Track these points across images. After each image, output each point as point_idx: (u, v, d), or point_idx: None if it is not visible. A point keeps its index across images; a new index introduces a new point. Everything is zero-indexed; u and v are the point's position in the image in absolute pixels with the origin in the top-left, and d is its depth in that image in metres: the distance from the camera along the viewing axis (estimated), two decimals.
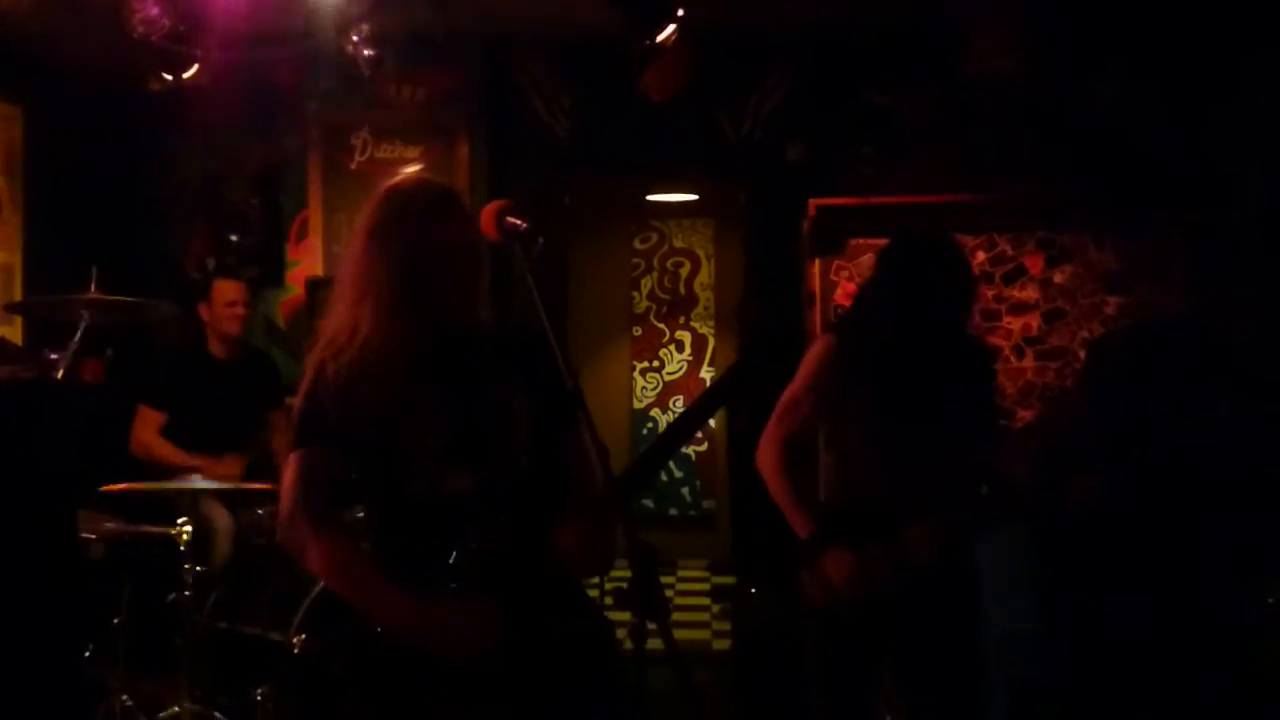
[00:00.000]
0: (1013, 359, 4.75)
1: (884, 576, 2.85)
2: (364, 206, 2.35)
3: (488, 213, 2.22)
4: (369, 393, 2.21)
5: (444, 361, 2.28)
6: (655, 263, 8.72)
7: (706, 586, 7.73)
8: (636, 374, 8.63)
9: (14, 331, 4.82)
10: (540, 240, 2.18)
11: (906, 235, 3.10)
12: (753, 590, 5.19)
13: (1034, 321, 4.75)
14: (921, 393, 2.93)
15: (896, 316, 2.96)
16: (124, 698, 3.77)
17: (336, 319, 2.27)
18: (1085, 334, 4.70)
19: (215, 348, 4.70)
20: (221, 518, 4.17)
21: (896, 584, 2.86)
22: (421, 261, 2.23)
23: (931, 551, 2.86)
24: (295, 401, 2.29)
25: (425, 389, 2.24)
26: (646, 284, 8.71)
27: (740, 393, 2.27)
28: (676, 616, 6.71)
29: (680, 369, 8.62)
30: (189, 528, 3.76)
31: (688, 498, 8.41)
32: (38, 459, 3.72)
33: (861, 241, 4.85)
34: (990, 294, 4.76)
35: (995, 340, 4.73)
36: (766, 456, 3.02)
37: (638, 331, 8.66)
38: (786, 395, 3.05)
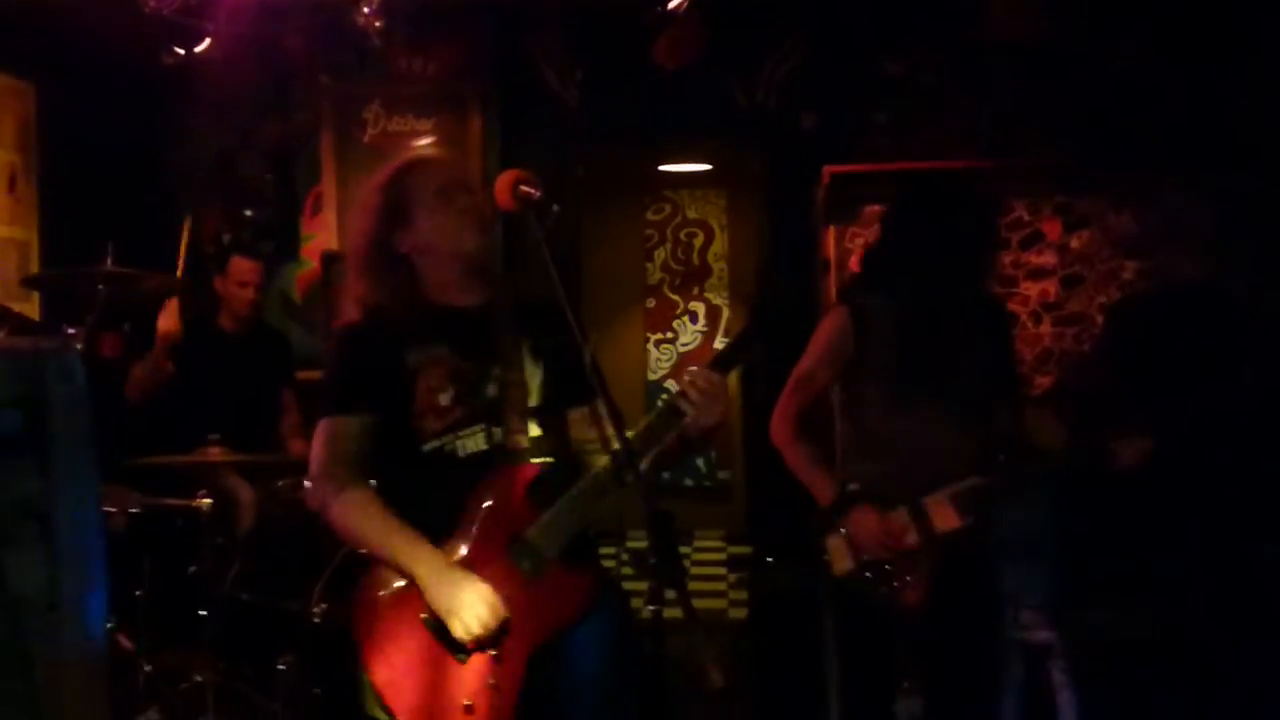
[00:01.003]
0: (1030, 325, 4.73)
1: (907, 542, 2.85)
2: (370, 180, 2.41)
3: (502, 182, 2.25)
4: (384, 359, 2.27)
5: (454, 328, 2.32)
6: (668, 234, 8.69)
7: (722, 556, 7.75)
8: (650, 345, 8.62)
9: (31, 307, 4.84)
10: (555, 209, 2.21)
11: (911, 180, 3.08)
12: (769, 559, 5.20)
13: (1051, 287, 4.73)
14: (940, 358, 2.92)
15: (906, 274, 2.94)
16: (147, 668, 3.81)
17: (352, 291, 2.34)
18: (1103, 299, 4.68)
19: (227, 322, 4.72)
20: (243, 490, 4.20)
21: (919, 550, 2.86)
22: (430, 233, 2.28)
23: (954, 518, 2.86)
24: (322, 369, 2.36)
25: (437, 354, 2.29)
26: (660, 255, 8.69)
27: (750, 357, 2.28)
28: (693, 586, 6.72)
29: (694, 340, 8.61)
30: (209, 500, 3.79)
31: (703, 468, 8.42)
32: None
33: (876, 208, 4.83)
34: (1008, 260, 4.74)
35: (1013, 306, 4.70)
36: (781, 429, 3.02)
37: (651, 303, 8.65)
38: (800, 367, 3.04)
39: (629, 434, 2.17)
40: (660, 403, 2.27)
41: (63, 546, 1.40)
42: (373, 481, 2.38)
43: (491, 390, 2.33)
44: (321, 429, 2.33)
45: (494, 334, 2.36)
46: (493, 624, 2.17)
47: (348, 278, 2.40)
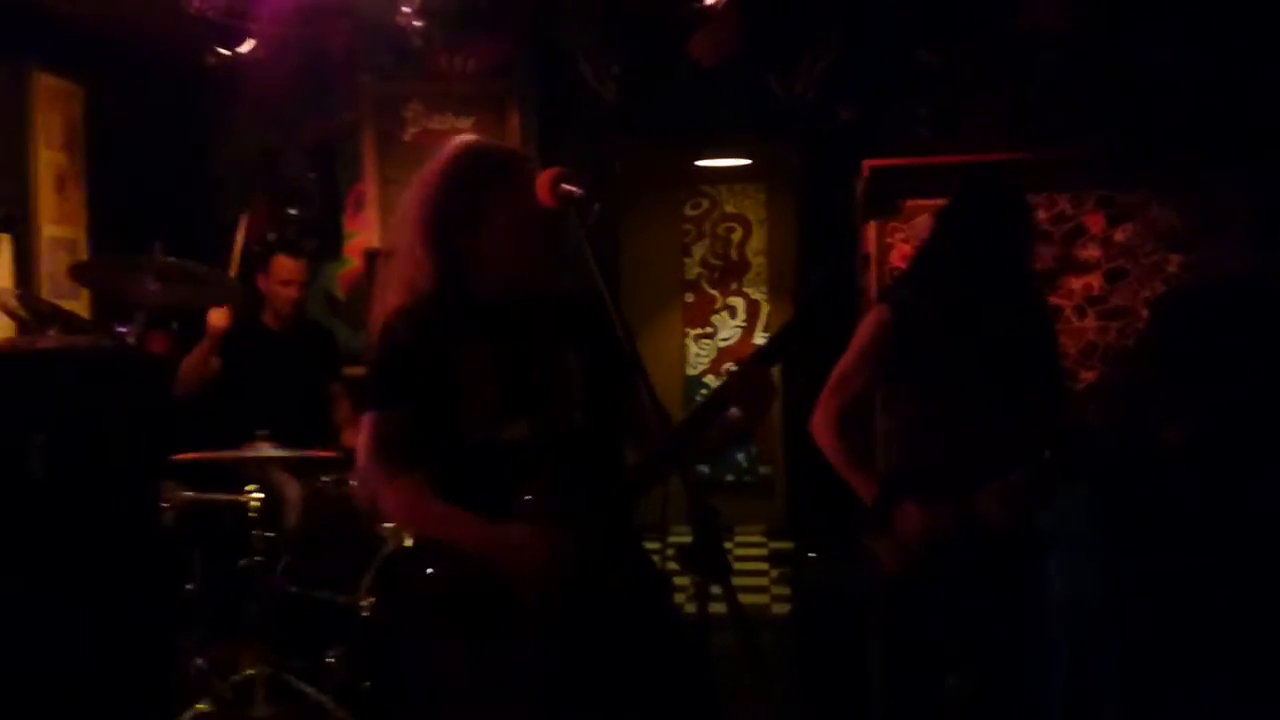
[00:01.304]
0: (1074, 319, 4.68)
1: (955, 539, 2.84)
2: (424, 166, 2.41)
3: (543, 180, 2.26)
4: (427, 351, 2.29)
5: (501, 319, 2.33)
6: (706, 229, 8.70)
7: (764, 552, 7.76)
8: (689, 341, 8.64)
9: (81, 307, 4.92)
10: (596, 207, 2.22)
11: (969, 188, 3.07)
12: (811, 555, 5.20)
13: (1095, 281, 4.69)
14: (986, 354, 2.91)
15: (962, 273, 2.94)
16: (198, 661, 3.87)
17: (397, 280, 2.33)
18: (1148, 293, 4.63)
19: (271, 320, 4.77)
20: (291, 485, 4.25)
21: (967, 547, 2.85)
22: (479, 226, 2.29)
23: (1003, 514, 2.85)
24: (366, 363, 2.36)
25: (482, 344, 2.30)
26: (698, 250, 8.70)
27: (793, 351, 2.28)
28: (735, 581, 6.73)
29: (733, 335, 8.62)
30: (259, 495, 3.84)
31: (744, 463, 8.43)
32: (123, 426, 3.82)
33: (917, 203, 4.80)
34: (1050, 254, 4.69)
35: (1056, 300, 4.66)
36: (823, 428, 3.02)
37: (690, 298, 8.66)
38: (840, 366, 3.04)
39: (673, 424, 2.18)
40: (703, 395, 2.28)
41: None
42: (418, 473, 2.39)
43: (535, 380, 2.34)
44: (366, 423, 2.35)
45: (538, 324, 2.37)
46: (558, 554, 2.20)
47: (392, 265, 2.39)
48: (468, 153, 2.39)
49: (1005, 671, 2.99)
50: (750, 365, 2.22)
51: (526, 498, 2.27)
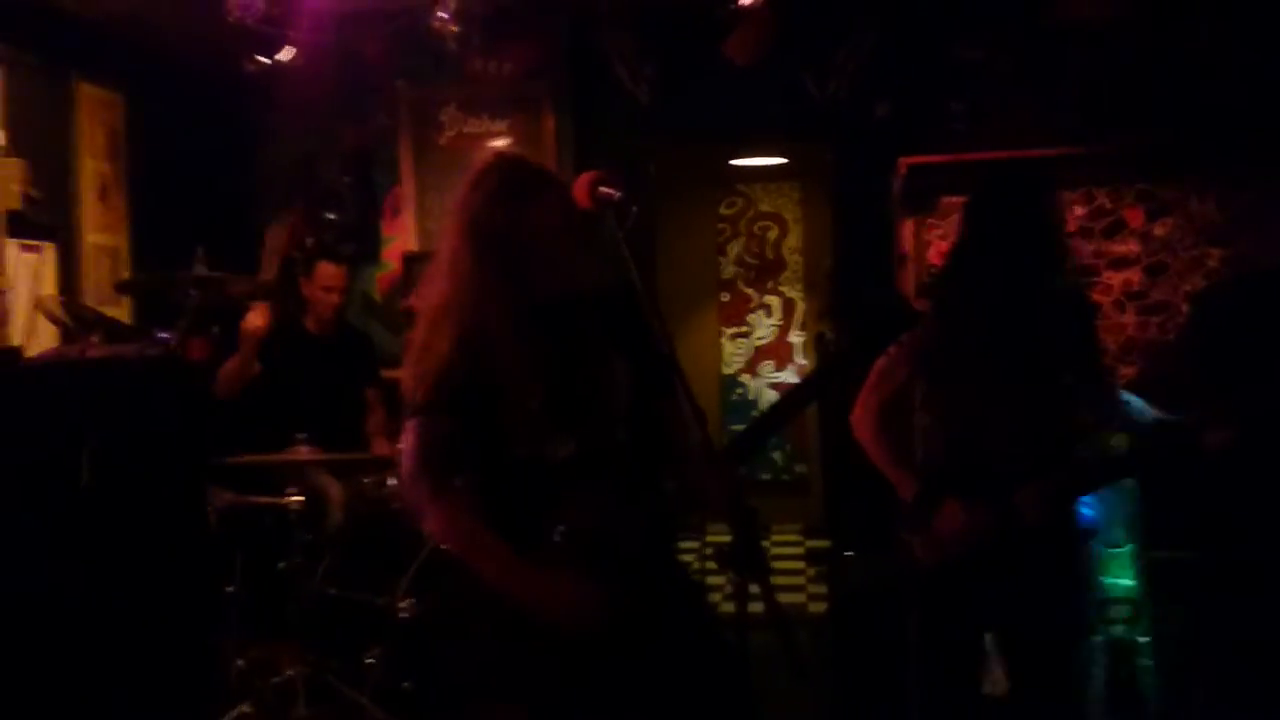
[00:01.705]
0: (1114, 314, 4.65)
1: (994, 536, 2.83)
2: (458, 182, 2.41)
3: (581, 183, 2.27)
4: (473, 361, 2.29)
5: (544, 330, 2.34)
6: (742, 227, 8.68)
7: (801, 550, 7.73)
8: (725, 339, 8.62)
9: (122, 312, 4.99)
10: (634, 210, 2.22)
11: (991, 182, 3.06)
12: (848, 554, 5.18)
13: (1135, 276, 4.65)
14: (1024, 349, 2.89)
15: (991, 267, 2.92)
16: (239, 663, 3.92)
17: (438, 293, 2.34)
18: (1188, 288, 4.59)
19: (312, 324, 4.81)
20: (333, 487, 4.29)
21: (1006, 545, 2.83)
22: (518, 237, 2.29)
23: (1042, 513, 2.83)
24: (405, 372, 2.36)
25: (526, 356, 2.31)
26: (733, 249, 8.68)
27: (843, 379, 2.28)
28: (772, 580, 6.72)
29: (769, 334, 8.59)
30: (300, 497, 3.87)
31: (780, 462, 8.40)
32: (171, 433, 3.88)
33: (954, 200, 4.77)
34: (1090, 249, 4.66)
35: (1096, 295, 4.63)
36: (864, 423, 3.01)
37: (725, 297, 8.65)
38: (881, 362, 3.03)
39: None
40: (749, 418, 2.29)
41: None
42: (459, 482, 2.39)
43: (581, 390, 2.34)
44: (411, 429, 2.34)
45: (581, 331, 2.37)
46: (582, 609, 2.21)
47: (440, 273, 2.38)
48: (492, 170, 2.38)
49: (1044, 669, 2.97)
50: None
51: (560, 530, 2.27)
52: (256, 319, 4.39)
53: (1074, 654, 3.16)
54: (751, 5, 4.25)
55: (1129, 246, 4.68)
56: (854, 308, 5.46)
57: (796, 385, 7.09)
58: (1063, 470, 2.86)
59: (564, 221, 2.31)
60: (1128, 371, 4.60)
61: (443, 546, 2.39)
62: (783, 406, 2.72)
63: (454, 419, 2.31)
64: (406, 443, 2.35)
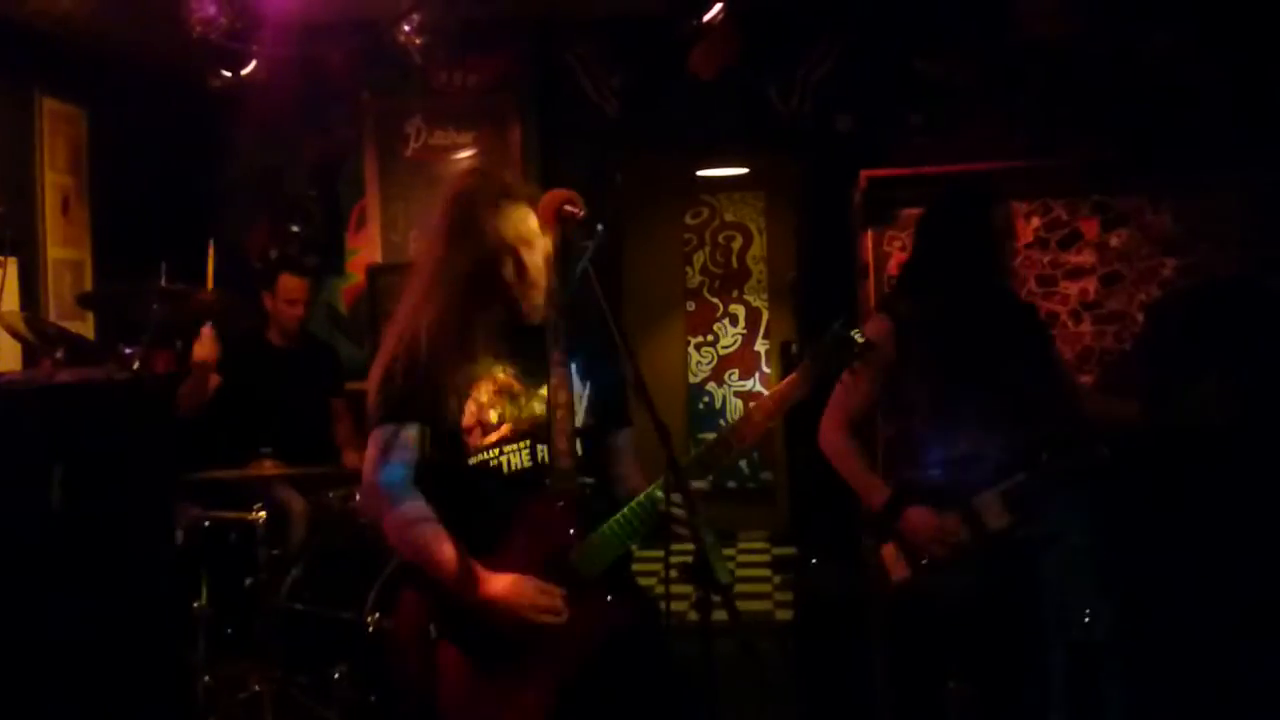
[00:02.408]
0: (1070, 324, 4.71)
1: (961, 543, 2.87)
2: (430, 194, 2.46)
3: (547, 203, 2.30)
4: (438, 371, 2.33)
5: (508, 344, 2.37)
6: (707, 237, 8.74)
7: (767, 558, 7.78)
8: (691, 349, 8.67)
9: (85, 327, 4.96)
10: (599, 228, 2.24)
11: (940, 197, 3.13)
12: (813, 561, 5.22)
13: (1091, 286, 4.71)
14: (981, 358, 2.95)
15: (943, 279, 2.98)
16: (206, 679, 3.90)
17: (412, 305, 2.36)
18: (1143, 297, 4.66)
19: (275, 337, 4.81)
20: (296, 502, 4.28)
21: (972, 550, 2.88)
22: (493, 252, 2.32)
23: (1004, 516, 2.88)
24: (372, 379, 2.40)
25: (490, 370, 2.34)
26: (699, 259, 8.73)
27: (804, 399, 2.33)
28: (738, 588, 6.77)
29: (735, 343, 8.65)
30: (264, 513, 3.87)
31: (745, 470, 8.45)
32: (140, 455, 3.87)
33: (914, 211, 4.83)
34: (1046, 259, 4.72)
35: (1052, 306, 4.69)
36: (830, 437, 3.06)
37: (691, 306, 8.70)
38: (844, 376, 3.08)
39: (680, 463, 2.20)
40: (714, 436, 2.33)
41: None
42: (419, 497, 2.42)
43: (539, 409, 2.38)
44: (374, 437, 2.37)
45: (546, 353, 2.40)
46: (546, 606, 2.24)
47: (412, 286, 2.42)
48: (468, 185, 2.41)
49: (1006, 675, 3.01)
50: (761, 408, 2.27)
51: (517, 528, 2.30)
52: (204, 350, 4.34)
53: (1037, 656, 3.21)
54: (715, 20, 4.29)
55: (1085, 257, 4.74)
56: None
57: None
58: (1022, 475, 2.91)
59: (536, 234, 2.35)
60: (1085, 380, 4.67)
61: (399, 553, 2.42)
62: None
63: (410, 426, 2.35)
64: (369, 450, 2.37)
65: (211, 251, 4.43)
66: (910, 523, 2.91)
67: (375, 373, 2.40)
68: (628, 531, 2.34)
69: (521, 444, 2.36)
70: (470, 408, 2.35)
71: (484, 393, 2.36)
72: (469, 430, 2.35)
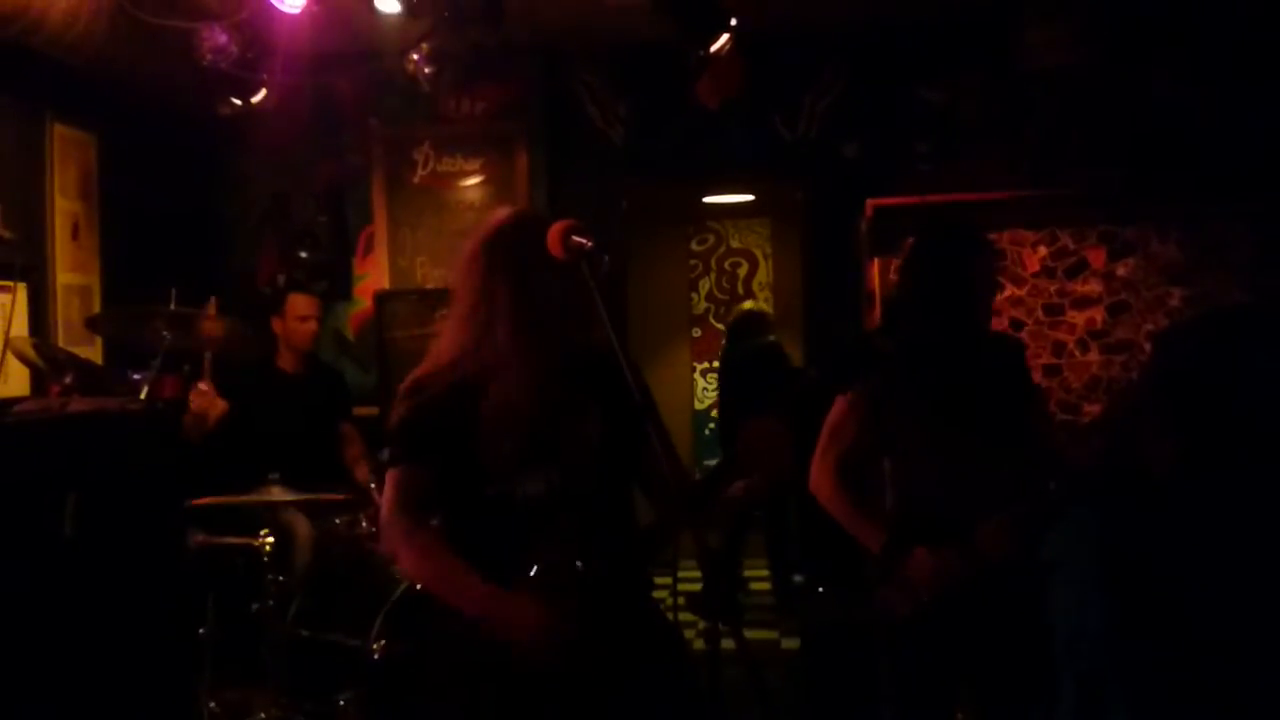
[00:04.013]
0: (1077, 353, 4.73)
1: (964, 578, 2.86)
2: (442, 237, 2.46)
3: (554, 232, 2.29)
4: (456, 407, 2.33)
5: (524, 372, 2.37)
6: (713, 263, 8.76)
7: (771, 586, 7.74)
8: (697, 375, 8.68)
9: (94, 352, 4.98)
10: (606, 258, 2.25)
11: (921, 235, 3.14)
12: (820, 589, 5.21)
13: (1098, 315, 4.73)
14: (967, 394, 2.95)
15: (926, 316, 2.99)
16: (211, 705, 3.89)
17: (459, 341, 2.37)
18: (1150, 326, 4.67)
19: (286, 362, 4.81)
20: (302, 526, 4.28)
21: (975, 584, 2.87)
22: (538, 285, 2.31)
23: (1005, 548, 2.87)
24: (395, 413, 2.40)
25: (507, 400, 2.35)
26: (705, 285, 8.76)
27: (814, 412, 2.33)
28: (744, 616, 6.74)
29: None
30: (271, 538, 3.87)
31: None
32: (153, 486, 3.87)
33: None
34: (1053, 288, 4.74)
35: (1059, 335, 4.71)
36: (821, 480, 3.04)
37: (697, 332, 8.71)
38: (832, 417, 3.08)
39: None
40: (718, 461, 2.32)
41: None
42: (435, 522, 2.43)
43: (556, 437, 2.38)
44: (391, 477, 2.40)
45: (562, 382, 2.40)
46: (555, 628, 2.24)
47: (451, 322, 2.42)
48: (505, 228, 2.40)
49: (1011, 705, 3.00)
50: (760, 428, 2.26)
51: (534, 567, 2.31)
52: (201, 402, 4.28)
53: (1040, 685, 3.19)
54: (721, 49, 4.32)
55: (1091, 286, 4.76)
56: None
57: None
58: (1023, 505, 2.91)
59: (575, 277, 2.33)
60: (1092, 409, 4.67)
61: (417, 583, 2.43)
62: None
63: (429, 465, 2.36)
64: (388, 490, 2.39)
65: (214, 304, 4.41)
66: (913, 568, 2.90)
67: (397, 407, 2.41)
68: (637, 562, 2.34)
69: (536, 473, 2.36)
70: (486, 437, 2.35)
71: (501, 422, 2.35)
72: (484, 458, 2.36)
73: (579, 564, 2.32)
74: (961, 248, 3.03)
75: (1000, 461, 2.94)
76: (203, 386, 4.31)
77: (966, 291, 2.99)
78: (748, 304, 7.89)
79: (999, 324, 4.90)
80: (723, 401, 7.38)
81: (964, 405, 2.94)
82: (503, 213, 2.46)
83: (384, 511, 2.39)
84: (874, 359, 3.04)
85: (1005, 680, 2.96)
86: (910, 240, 3.09)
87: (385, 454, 2.65)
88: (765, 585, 7.74)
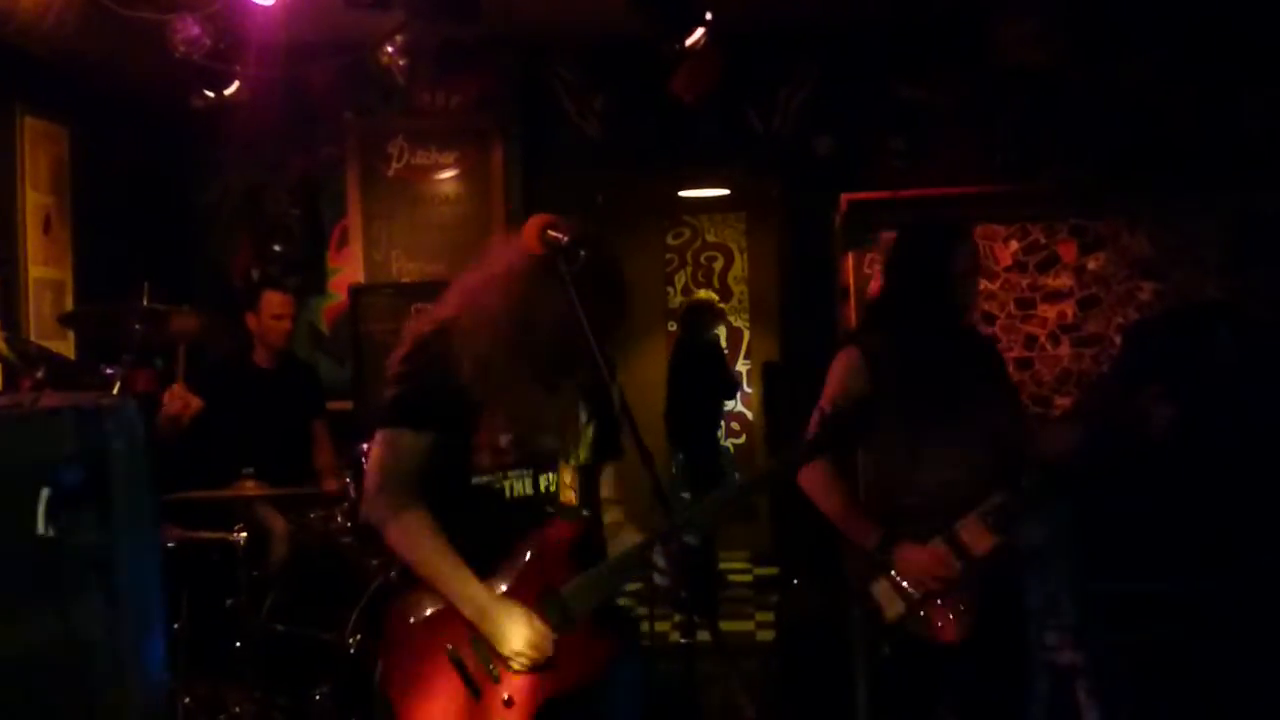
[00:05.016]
0: (1049, 347, 4.77)
1: (953, 570, 2.88)
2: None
3: (531, 227, 2.29)
4: (456, 384, 2.29)
5: (530, 371, 2.36)
6: (689, 258, 8.77)
7: (749, 579, 7.78)
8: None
9: (66, 346, 4.94)
10: (582, 254, 2.25)
11: (905, 230, 3.17)
12: (795, 581, 5.24)
13: (1069, 309, 4.78)
14: (947, 388, 2.98)
15: (909, 310, 3.02)
16: (185, 700, 3.88)
17: (464, 320, 2.32)
18: (1120, 320, 4.72)
19: (260, 357, 4.79)
20: (277, 521, 4.26)
21: (962, 576, 2.89)
22: (558, 322, 2.26)
23: (988, 539, 2.89)
24: (392, 366, 2.35)
25: (505, 394, 2.32)
26: (680, 279, 8.77)
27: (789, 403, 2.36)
28: (719, 609, 6.77)
29: None
30: (245, 533, 3.86)
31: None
32: (125, 479, 3.83)
33: (893, 235, 4.88)
34: (1025, 283, 4.79)
35: (1031, 328, 4.75)
36: (810, 475, 3.03)
37: (673, 327, 8.71)
38: (816, 416, 3.09)
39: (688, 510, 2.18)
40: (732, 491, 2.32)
41: (124, 594, 1.46)
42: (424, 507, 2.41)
43: (548, 440, 2.38)
44: (383, 439, 2.34)
45: (560, 384, 2.40)
46: (537, 648, 2.23)
47: (471, 288, 2.37)
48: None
49: (995, 700, 3.02)
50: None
51: (514, 566, 2.30)
52: (174, 406, 4.19)
53: (1020, 679, 3.22)
54: (696, 44, 4.33)
55: (1063, 280, 4.80)
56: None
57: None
58: (1002, 496, 2.93)
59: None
60: (1063, 402, 4.72)
61: (401, 560, 2.39)
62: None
63: (425, 434, 2.32)
64: (374, 452, 2.35)
65: (182, 352, 4.33)
66: (904, 562, 2.91)
67: (397, 364, 2.34)
68: (615, 582, 2.36)
69: (525, 471, 2.35)
70: (482, 428, 2.33)
71: (498, 415, 2.34)
72: (477, 450, 2.33)
73: (562, 567, 2.32)
74: (946, 241, 3.06)
75: (979, 455, 2.97)
76: (177, 389, 4.27)
77: (952, 285, 3.01)
78: (700, 294, 7.93)
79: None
80: (668, 398, 7.41)
81: (945, 398, 2.97)
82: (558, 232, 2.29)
83: (370, 477, 2.34)
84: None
85: (986, 672, 2.98)
86: (891, 235, 3.10)
87: (364, 447, 2.64)
88: (744, 578, 7.78)
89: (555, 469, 2.36)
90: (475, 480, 2.34)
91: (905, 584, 2.90)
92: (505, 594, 2.29)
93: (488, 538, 2.33)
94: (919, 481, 2.98)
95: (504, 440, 2.33)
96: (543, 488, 2.35)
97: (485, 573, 2.31)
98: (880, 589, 2.93)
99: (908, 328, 3.02)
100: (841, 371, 3.06)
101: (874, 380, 3.00)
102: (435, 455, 2.32)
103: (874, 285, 4.86)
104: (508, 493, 2.34)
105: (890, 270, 3.20)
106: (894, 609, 2.92)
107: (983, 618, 2.93)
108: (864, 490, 3.16)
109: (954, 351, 3.03)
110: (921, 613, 2.90)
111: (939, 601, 2.89)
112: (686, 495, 7.15)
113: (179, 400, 4.22)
